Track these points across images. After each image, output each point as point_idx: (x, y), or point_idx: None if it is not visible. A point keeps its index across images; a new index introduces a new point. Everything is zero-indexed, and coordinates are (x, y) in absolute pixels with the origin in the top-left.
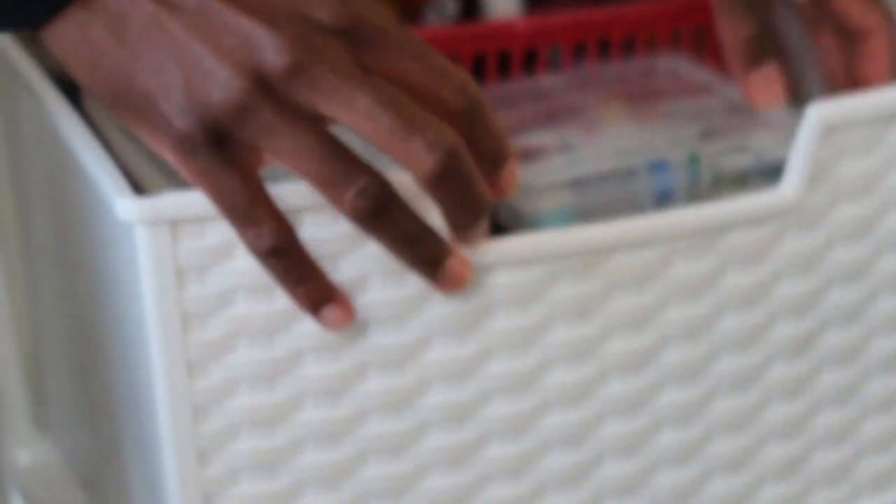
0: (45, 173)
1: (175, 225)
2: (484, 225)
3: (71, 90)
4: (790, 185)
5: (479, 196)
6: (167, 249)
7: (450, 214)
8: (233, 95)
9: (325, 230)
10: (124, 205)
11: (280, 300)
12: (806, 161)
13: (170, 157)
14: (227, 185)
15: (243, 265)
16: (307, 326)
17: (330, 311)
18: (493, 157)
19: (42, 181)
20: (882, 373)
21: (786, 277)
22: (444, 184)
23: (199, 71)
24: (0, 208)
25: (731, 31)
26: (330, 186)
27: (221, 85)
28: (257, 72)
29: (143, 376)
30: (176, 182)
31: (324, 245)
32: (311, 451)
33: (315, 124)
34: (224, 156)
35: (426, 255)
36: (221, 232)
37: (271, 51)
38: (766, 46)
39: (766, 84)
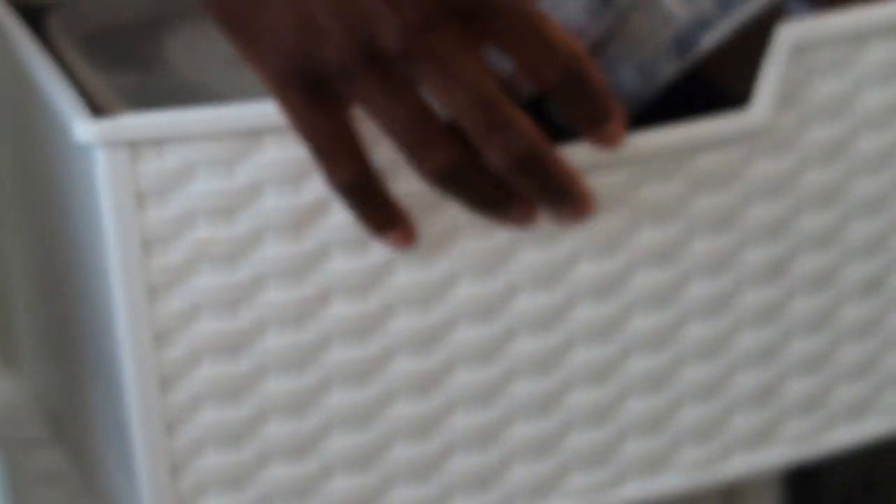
0: (8, 103)
1: (134, 147)
2: (573, 204)
3: (32, 18)
4: (760, 106)
5: (559, 187)
6: (126, 172)
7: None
8: (341, 58)
9: (287, 151)
10: (82, 127)
11: (242, 223)
12: (776, 82)
13: (266, 85)
14: (311, 123)
15: (204, 188)
16: (270, 251)
17: (390, 236)
18: (593, 120)
19: (4, 111)
20: (856, 298)
21: (757, 201)
22: (520, 176)
23: (315, 24)
24: None
25: None
26: (410, 152)
27: (333, 45)
28: (370, 44)
29: (104, 303)
30: (137, 107)
31: (287, 166)
32: (274, 377)
33: (410, 92)
34: (315, 98)
35: (503, 218)
36: (181, 154)
37: (388, 30)
38: None
39: None
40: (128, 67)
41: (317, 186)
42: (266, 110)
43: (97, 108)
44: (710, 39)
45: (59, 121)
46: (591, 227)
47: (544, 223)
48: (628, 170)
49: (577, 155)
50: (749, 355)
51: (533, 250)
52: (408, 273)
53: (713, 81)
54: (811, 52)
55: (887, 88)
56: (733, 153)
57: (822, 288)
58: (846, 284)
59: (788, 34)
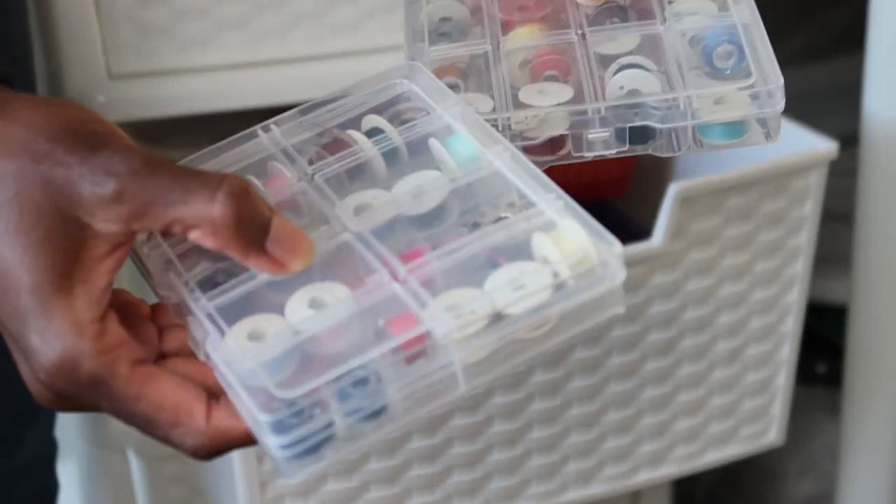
0: None
1: None
2: None
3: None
4: (658, 238)
5: None
6: None
7: None
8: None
9: None
10: None
11: None
12: (669, 222)
13: None
14: None
15: None
16: None
17: None
18: None
19: None
20: (724, 364)
21: (656, 301)
22: None
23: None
24: None
25: None
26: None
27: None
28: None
29: None
30: None
31: None
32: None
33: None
34: None
35: None
36: None
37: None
38: None
39: None
40: None
41: None
42: None
43: None
44: None
45: None
46: None
47: None
48: None
49: None
50: (651, 404)
51: None
52: (420, 468)
53: (632, 222)
54: (691, 201)
55: (744, 224)
56: (640, 268)
57: (700, 359)
58: (718, 356)
59: (677, 189)
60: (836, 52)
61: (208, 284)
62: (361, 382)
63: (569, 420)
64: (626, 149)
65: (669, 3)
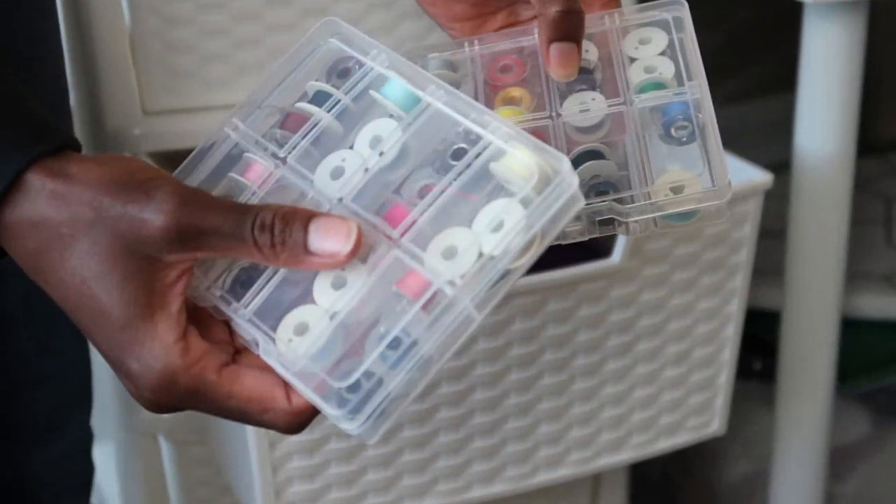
0: None
1: None
2: None
3: None
4: (617, 255)
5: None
6: None
7: None
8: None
9: None
10: None
11: None
12: (627, 242)
13: None
14: None
15: None
16: None
17: None
18: None
19: None
20: (674, 365)
21: (615, 310)
22: None
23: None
24: None
25: (542, 4)
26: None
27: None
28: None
29: None
30: None
31: None
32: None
33: None
34: None
35: None
36: None
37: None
38: (571, 24)
39: (563, 58)
40: None
41: None
42: None
43: None
44: None
45: None
46: (517, 326)
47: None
48: (542, 292)
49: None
50: (611, 399)
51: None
52: (410, 454)
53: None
54: None
55: (691, 244)
56: (602, 282)
57: (653, 359)
58: (667, 357)
59: None
60: (771, 92)
61: (237, 285)
62: (403, 349)
63: (539, 413)
64: (596, 235)
65: (632, 62)
